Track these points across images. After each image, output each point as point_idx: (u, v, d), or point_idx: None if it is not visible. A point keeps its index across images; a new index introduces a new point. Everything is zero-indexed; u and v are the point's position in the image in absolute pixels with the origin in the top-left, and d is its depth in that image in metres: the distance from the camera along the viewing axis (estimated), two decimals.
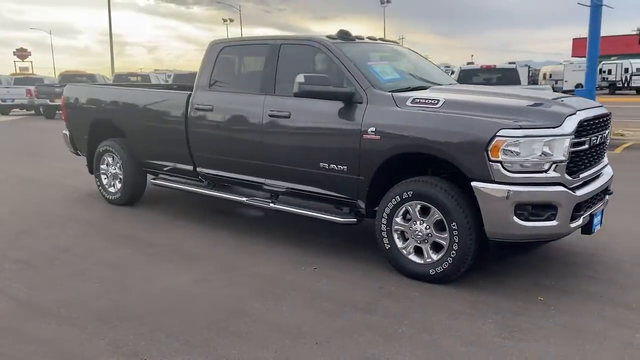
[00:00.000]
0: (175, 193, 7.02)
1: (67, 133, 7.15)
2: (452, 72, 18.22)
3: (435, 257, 4.08)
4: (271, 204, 5.08)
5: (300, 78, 4.35)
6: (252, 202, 5.25)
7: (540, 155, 3.68)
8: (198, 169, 5.66)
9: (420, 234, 4.11)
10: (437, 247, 4.10)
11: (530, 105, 4.03)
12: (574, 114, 3.87)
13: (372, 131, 4.22)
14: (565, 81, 40.73)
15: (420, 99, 4.17)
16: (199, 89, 5.50)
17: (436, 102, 4.08)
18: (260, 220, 6.12)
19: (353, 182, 4.44)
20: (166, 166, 6.05)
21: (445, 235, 3.99)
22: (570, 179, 3.82)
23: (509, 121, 3.73)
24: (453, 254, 3.94)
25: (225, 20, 69.18)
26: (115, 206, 6.55)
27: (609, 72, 43.63)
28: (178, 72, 20.94)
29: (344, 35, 4.93)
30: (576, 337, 3.32)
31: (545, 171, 3.72)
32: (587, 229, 4.11)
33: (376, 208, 4.42)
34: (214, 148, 5.40)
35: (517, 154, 3.67)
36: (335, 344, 3.26)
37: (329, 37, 4.90)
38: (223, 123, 5.29)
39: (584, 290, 4.01)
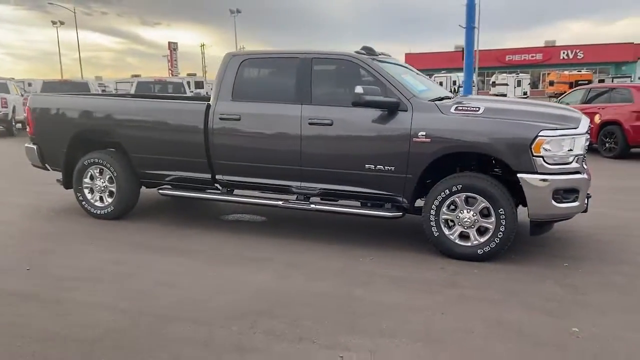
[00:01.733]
0: (142, 202, 7.04)
1: (35, 147, 6.69)
2: None
3: (481, 239, 4.86)
4: (312, 205, 5.48)
5: (359, 89, 4.87)
6: (289, 205, 5.58)
7: (568, 150, 4.67)
8: (217, 177, 5.82)
9: (468, 220, 4.87)
10: (480, 231, 4.89)
11: (551, 111, 5.03)
12: (582, 118, 4.94)
13: (422, 135, 4.89)
14: None
15: (462, 107, 4.94)
16: (221, 99, 5.68)
17: (477, 109, 4.89)
18: (263, 223, 6.42)
19: (400, 180, 5.06)
20: (172, 176, 6.06)
21: (492, 220, 4.80)
22: (584, 168, 4.87)
23: (545, 124, 4.66)
24: (500, 234, 4.77)
25: (55, 23, 64.89)
26: (102, 220, 6.33)
27: (440, 84, 48.88)
28: (48, 80, 19.35)
29: (370, 51, 5.53)
30: (617, 287, 4.33)
31: (570, 163, 4.71)
32: (585, 208, 5.19)
33: (420, 202, 5.10)
34: (241, 156, 5.62)
35: (552, 149, 4.61)
36: (455, 312, 3.87)
37: (357, 52, 5.46)
38: (254, 131, 5.55)
39: (589, 256, 5.08)
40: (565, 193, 4.71)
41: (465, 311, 3.88)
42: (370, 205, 5.50)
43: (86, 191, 6.46)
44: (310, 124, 5.29)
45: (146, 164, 6.13)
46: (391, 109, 5.03)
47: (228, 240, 5.61)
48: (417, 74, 6.05)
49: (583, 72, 49.31)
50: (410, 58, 65.85)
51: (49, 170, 6.86)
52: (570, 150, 4.69)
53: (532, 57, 61.12)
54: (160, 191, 6.20)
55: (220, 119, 5.64)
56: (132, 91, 17.40)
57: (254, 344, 3.40)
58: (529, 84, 50.04)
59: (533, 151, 4.60)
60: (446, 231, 4.98)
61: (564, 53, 59.89)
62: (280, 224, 6.30)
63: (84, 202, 6.47)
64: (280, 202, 5.63)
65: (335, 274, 4.64)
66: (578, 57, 58.83)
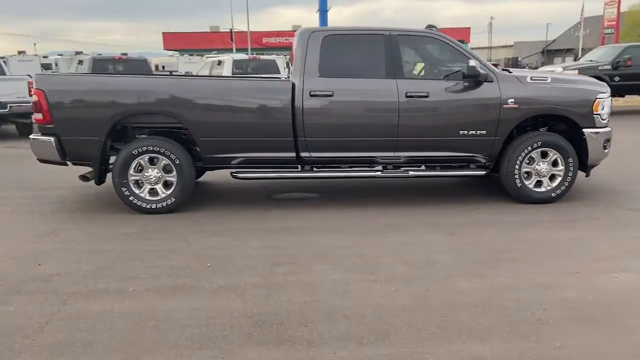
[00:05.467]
0: None
1: (52, 139, 5.59)
2: (81, 62, 18.62)
3: (553, 184, 6.02)
4: (410, 172, 5.95)
5: (474, 63, 5.53)
6: (387, 175, 5.95)
7: (607, 109, 6.08)
8: (303, 154, 5.81)
9: (544, 170, 5.97)
10: (549, 178, 6.05)
11: (590, 79, 6.39)
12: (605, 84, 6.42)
13: (511, 101, 5.78)
14: (176, 71, 43.95)
15: (534, 77, 5.97)
16: (308, 76, 5.68)
17: (546, 78, 5.97)
18: (327, 198, 6.58)
19: (489, 142, 5.88)
20: (242, 158, 5.79)
21: (560, 168, 5.98)
22: None
23: (597, 88, 5.99)
24: (569, 179, 5.99)
25: None
26: (161, 215, 5.74)
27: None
28: None
29: (435, 28, 6.15)
30: None
31: (606, 119, 6.15)
32: None
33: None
34: (334, 131, 5.74)
35: (600, 109, 5.97)
36: (602, 237, 4.95)
37: (428, 29, 6.05)
38: (349, 107, 5.73)
39: (602, 190, 6.64)
40: (607, 142, 6.14)
41: (609, 235, 5.00)
42: (439, 168, 6.20)
43: (132, 184, 5.72)
44: (407, 96, 5.72)
45: (216, 148, 5.74)
46: (480, 80, 5.78)
47: (331, 214, 5.75)
48: None
49: None
50: (168, 37, 64.04)
51: (67, 165, 5.83)
52: (607, 108, 6.12)
53: (286, 39, 65.36)
54: (234, 174, 5.84)
55: (312, 95, 5.66)
56: None
57: (524, 285, 3.93)
58: None
59: (593, 110, 5.90)
60: (526, 182, 6.00)
61: None
62: (344, 197, 6.57)
63: (131, 197, 5.72)
64: (378, 173, 5.95)
65: (476, 226, 5.33)
66: None
